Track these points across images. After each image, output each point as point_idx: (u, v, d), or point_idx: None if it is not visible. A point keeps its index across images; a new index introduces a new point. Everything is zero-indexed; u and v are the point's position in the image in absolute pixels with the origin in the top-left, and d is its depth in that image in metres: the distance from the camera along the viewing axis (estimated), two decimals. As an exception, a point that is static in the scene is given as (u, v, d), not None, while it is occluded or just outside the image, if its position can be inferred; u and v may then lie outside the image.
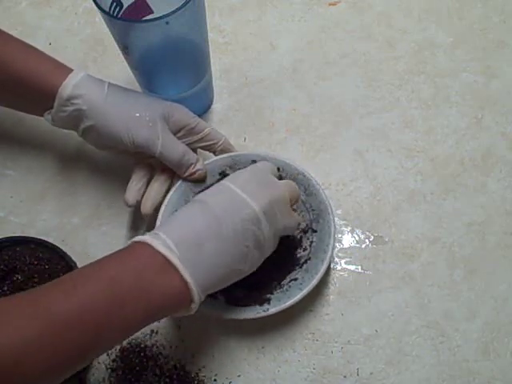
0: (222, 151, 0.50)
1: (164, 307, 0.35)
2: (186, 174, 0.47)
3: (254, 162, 0.48)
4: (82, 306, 0.32)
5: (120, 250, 0.36)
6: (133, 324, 0.34)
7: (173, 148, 0.46)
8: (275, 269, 0.46)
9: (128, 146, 0.46)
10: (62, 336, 0.31)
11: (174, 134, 0.47)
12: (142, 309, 0.34)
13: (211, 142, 0.49)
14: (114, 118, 0.45)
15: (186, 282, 0.35)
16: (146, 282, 0.34)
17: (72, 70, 0.46)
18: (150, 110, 0.46)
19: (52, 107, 0.46)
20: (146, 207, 0.47)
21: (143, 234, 0.37)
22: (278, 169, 0.49)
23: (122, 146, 0.46)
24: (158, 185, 0.48)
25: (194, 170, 0.47)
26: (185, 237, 0.36)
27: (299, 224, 0.47)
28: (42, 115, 0.48)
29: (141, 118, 0.45)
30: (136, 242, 0.36)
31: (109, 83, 0.47)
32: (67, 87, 0.45)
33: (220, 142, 0.49)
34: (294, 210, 0.44)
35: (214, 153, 0.50)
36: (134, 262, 0.35)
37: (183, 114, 0.48)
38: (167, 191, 0.48)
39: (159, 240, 0.36)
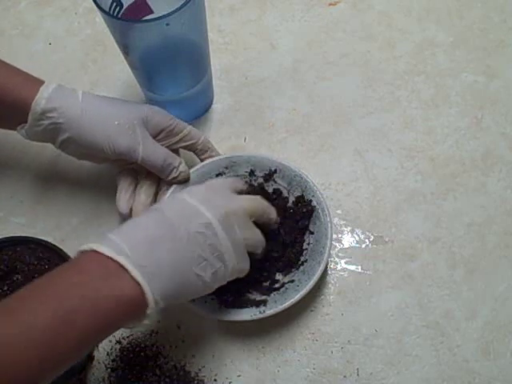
0: (202, 150, 0.50)
1: (118, 316, 0.34)
2: (170, 177, 0.47)
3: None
4: (25, 330, 0.30)
5: (65, 264, 0.35)
6: (86, 339, 0.33)
7: (154, 153, 0.46)
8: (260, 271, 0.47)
9: (109, 154, 0.45)
10: (4, 365, 0.29)
11: (154, 138, 0.47)
12: (94, 322, 0.32)
13: (191, 142, 0.49)
14: (92, 128, 0.44)
15: (138, 285, 0.33)
16: (95, 292, 0.33)
17: (43, 82, 0.45)
18: (129, 117, 0.45)
19: (25, 121, 0.44)
20: (138, 211, 0.47)
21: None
22: (275, 170, 0.49)
23: (102, 155, 0.46)
24: (146, 188, 0.48)
25: (177, 173, 0.47)
26: (136, 239, 0.35)
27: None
28: (15, 129, 0.46)
29: (120, 126, 0.45)
30: (82, 252, 0.35)
31: (82, 92, 0.46)
32: (40, 101, 0.43)
33: (200, 141, 0.49)
34: (259, 226, 0.42)
35: (195, 151, 0.50)
36: (79, 274, 0.33)
37: (162, 117, 0.47)
38: (155, 194, 0.48)
39: (108, 244, 0.34)
